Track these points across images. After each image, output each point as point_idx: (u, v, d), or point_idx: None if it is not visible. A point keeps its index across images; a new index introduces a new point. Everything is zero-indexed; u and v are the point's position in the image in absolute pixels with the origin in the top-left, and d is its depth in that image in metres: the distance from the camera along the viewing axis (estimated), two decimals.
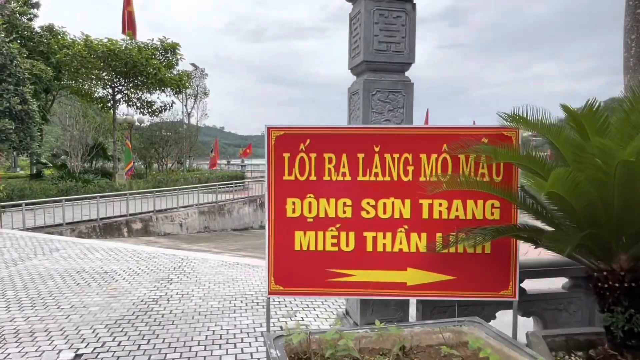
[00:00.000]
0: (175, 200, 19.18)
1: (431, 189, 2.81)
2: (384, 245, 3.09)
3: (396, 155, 3.06)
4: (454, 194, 3.01)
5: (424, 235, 3.08)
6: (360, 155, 3.06)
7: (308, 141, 3.06)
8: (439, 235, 3.07)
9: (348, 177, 3.07)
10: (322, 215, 3.08)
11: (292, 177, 3.08)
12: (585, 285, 3.86)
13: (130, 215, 16.94)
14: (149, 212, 17.85)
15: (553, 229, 2.70)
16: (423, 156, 3.06)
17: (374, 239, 3.09)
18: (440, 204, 3.07)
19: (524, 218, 3.12)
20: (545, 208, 2.80)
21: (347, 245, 3.09)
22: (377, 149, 3.06)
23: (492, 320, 3.69)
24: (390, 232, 3.09)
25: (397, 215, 3.08)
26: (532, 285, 3.81)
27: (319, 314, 5.49)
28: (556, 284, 4.02)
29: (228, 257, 9.63)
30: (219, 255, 10.40)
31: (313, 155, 3.07)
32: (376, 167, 3.07)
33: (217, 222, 20.72)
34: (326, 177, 3.07)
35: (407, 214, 3.08)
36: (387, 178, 3.07)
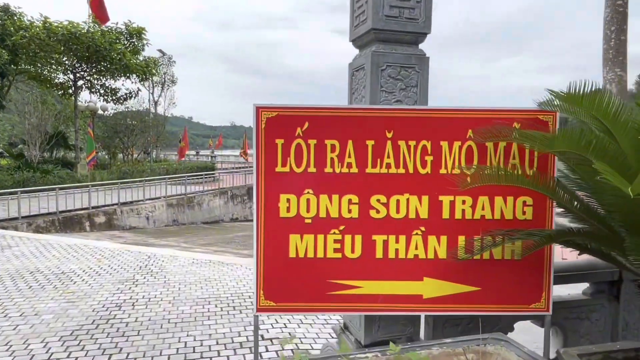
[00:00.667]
0: (142, 192, 18.22)
1: (463, 184, 2.30)
2: (397, 250, 2.57)
3: (412, 143, 2.54)
4: (480, 189, 2.52)
5: (443, 238, 2.58)
6: (370, 143, 2.52)
7: (306, 124, 2.50)
8: (461, 238, 2.58)
9: (354, 169, 2.53)
10: (322, 215, 2.53)
11: (287, 169, 2.51)
12: (608, 291, 3.46)
13: (93, 208, 15.95)
14: (113, 204, 16.88)
15: (606, 232, 2.25)
16: (444, 144, 2.55)
17: (385, 243, 2.57)
18: (464, 202, 2.57)
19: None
20: (589, 208, 2.35)
21: (352, 251, 2.56)
22: (389, 135, 2.53)
23: (509, 333, 3.25)
24: (404, 235, 2.57)
25: (412, 215, 2.56)
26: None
27: (311, 324, 4.95)
28: (573, 289, 3.62)
29: (199, 255, 8.98)
30: (189, 252, 9.71)
31: (312, 142, 2.51)
32: (388, 156, 2.54)
33: (187, 215, 19.89)
34: (328, 169, 2.52)
35: (424, 214, 2.56)
36: (402, 170, 2.54)
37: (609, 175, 1.59)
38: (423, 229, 2.57)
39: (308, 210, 2.53)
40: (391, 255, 2.57)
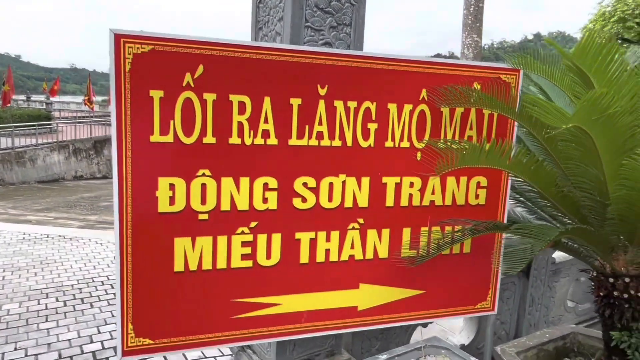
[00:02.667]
0: None
1: (441, 168, 1.67)
2: (327, 252, 1.89)
3: (353, 104, 1.82)
4: (431, 168, 1.93)
5: (385, 232, 1.96)
6: (296, 102, 1.73)
7: (200, 68, 1.60)
8: (407, 232, 1.99)
9: (273, 140, 1.73)
10: (225, 207, 1.71)
11: (169, 138, 1.61)
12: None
13: None
14: None
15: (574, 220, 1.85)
16: (392, 107, 1.88)
17: (312, 243, 1.85)
18: (412, 184, 1.97)
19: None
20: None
21: (268, 256, 1.80)
22: (323, 92, 1.77)
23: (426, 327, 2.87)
24: (337, 231, 1.89)
25: (348, 204, 1.88)
26: None
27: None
28: None
29: (33, 227, 7.28)
30: (18, 224, 7.85)
31: (210, 97, 1.63)
32: (320, 123, 1.79)
33: (16, 174, 16.66)
34: (234, 140, 1.68)
35: (363, 201, 1.90)
36: (337, 142, 1.82)
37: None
38: (361, 221, 1.91)
39: (203, 202, 1.68)
40: (320, 258, 1.87)
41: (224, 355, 3.37)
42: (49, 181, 18.08)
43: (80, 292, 4.56)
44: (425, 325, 2.84)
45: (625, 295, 1.99)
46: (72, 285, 4.72)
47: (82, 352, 3.46)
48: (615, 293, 2.01)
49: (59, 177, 18.77)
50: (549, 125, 1.61)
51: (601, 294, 2.06)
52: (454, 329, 3.42)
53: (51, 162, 18.50)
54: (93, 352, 3.46)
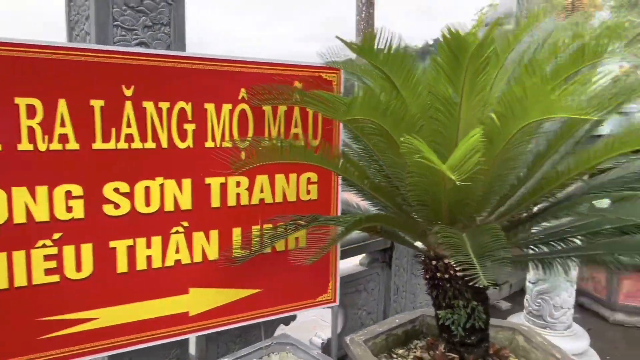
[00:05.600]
0: None
1: (236, 164, 1.67)
2: (149, 258, 1.82)
3: (165, 105, 1.77)
4: (259, 167, 1.95)
5: (214, 234, 1.94)
6: (97, 103, 1.65)
7: None
8: (237, 231, 1.98)
9: (73, 145, 1.63)
10: (19, 220, 1.57)
11: None
12: (382, 258, 3.43)
13: None
14: None
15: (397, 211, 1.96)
16: (210, 107, 1.86)
17: (131, 250, 1.77)
18: (238, 184, 1.96)
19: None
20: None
21: (78, 269, 1.69)
22: (129, 93, 1.70)
23: (292, 322, 2.90)
24: (159, 236, 1.82)
25: (169, 207, 1.83)
26: None
27: None
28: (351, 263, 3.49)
29: None
30: None
31: None
32: (129, 125, 1.71)
33: None
34: (24, 146, 1.56)
35: (186, 204, 1.86)
36: (151, 144, 1.76)
37: (428, 156, 1.17)
38: (186, 224, 1.87)
39: None
40: (141, 266, 1.80)
41: None
42: None
43: None
44: (287, 322, 2.87)
45: (447, 276, 2.14)
46: None
47: None
48: (438, 274, 2.16)
49: None
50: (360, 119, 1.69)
51: (427, 276, 2.21)
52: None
53: None
54: None
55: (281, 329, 2.79)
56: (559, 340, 3.29)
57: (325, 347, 3.09)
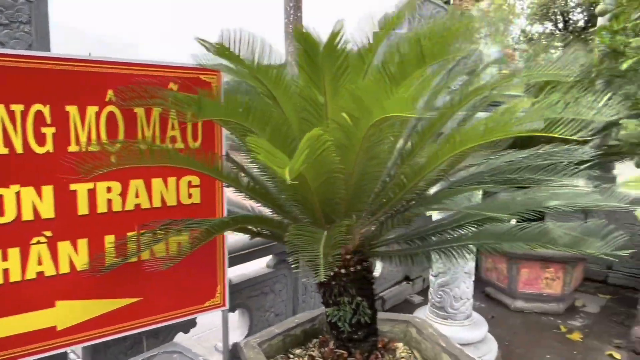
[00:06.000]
0: None
1: (86, 168, 1.60)
2: (7, 272, 1.70)
3: (18, 108, 1.67)
4: (131, 171, 1.89)
5: (82, 243, 1.85)
6: None
7: None
8: (109, 239, 1.90)
9: None
10: None
11: None
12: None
13: None
14: None
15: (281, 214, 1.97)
16: (72, 109, 1.77)
17: None
18: (109, 189, 1.89)
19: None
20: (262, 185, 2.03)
21: None
22: None
23: (192, 329, 2.83)
24: (16, 248, 1.71)
25: (28, 216, 1.72)
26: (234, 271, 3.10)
27: None
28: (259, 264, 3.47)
29: None
30: None
31: None
32: None
33: None
34: None
35: (48, 212, 1.76)
36: (4, 150, 1.65)
37: (263, 156, 1.18)
38: (48, 233, 1.77)
39: None
40: None
41: None
42: None
43: None
44: (186, 330, 2.80)
45: (331, 273, 2.18)
46: None
47: None
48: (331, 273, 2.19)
49: None
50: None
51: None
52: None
53: None
54: None
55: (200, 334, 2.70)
56: (459, 329, 3.46)
57: (233, 351, 3.04)
